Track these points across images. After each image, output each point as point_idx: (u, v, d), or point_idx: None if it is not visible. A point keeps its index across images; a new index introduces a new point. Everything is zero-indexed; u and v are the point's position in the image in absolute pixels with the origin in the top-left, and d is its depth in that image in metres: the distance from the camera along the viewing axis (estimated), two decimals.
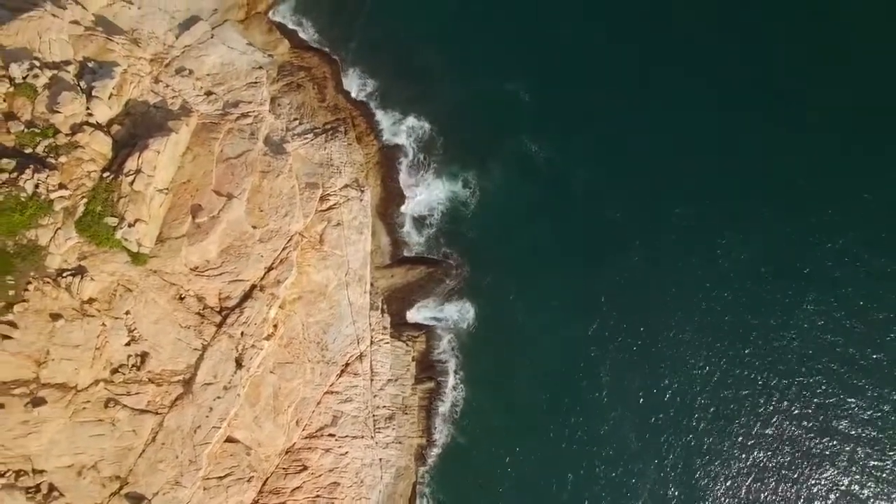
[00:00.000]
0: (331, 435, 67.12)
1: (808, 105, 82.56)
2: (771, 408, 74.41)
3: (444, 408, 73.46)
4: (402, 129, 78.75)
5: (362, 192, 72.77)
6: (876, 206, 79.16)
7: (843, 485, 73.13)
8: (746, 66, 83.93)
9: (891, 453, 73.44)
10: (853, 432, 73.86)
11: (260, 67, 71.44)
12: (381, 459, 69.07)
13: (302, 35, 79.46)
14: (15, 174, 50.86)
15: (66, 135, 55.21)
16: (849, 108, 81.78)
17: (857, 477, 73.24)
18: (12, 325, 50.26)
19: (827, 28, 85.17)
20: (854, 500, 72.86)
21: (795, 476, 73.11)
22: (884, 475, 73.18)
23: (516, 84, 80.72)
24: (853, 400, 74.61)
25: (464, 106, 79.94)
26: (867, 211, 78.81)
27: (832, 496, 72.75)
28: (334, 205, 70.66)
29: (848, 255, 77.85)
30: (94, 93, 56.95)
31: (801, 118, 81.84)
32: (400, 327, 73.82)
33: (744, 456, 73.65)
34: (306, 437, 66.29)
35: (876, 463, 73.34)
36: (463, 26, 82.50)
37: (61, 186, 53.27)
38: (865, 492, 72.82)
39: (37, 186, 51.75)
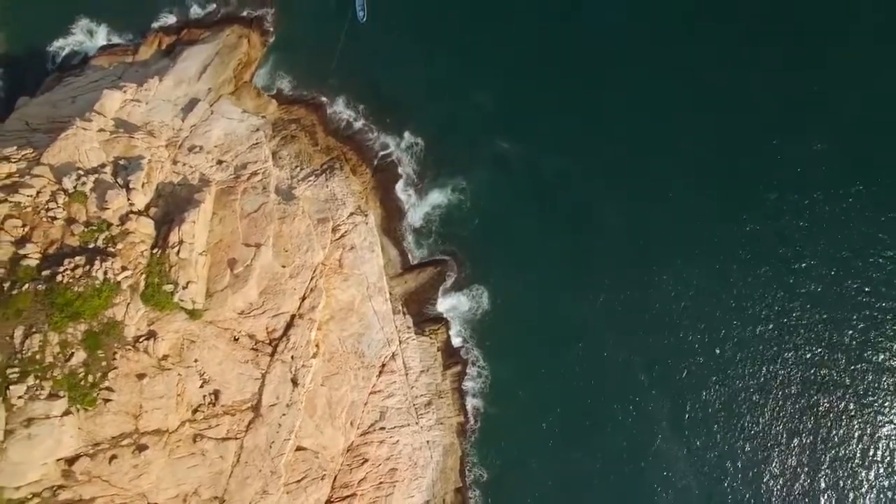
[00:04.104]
0: (382, 428, 74.67)
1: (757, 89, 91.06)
2: (761, 347, 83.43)
3: (473, 386, 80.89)
4: (389, 153, 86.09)
5: (366, 216, 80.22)
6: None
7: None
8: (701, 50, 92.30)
9: None
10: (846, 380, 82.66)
11: (257, 130, 78.08)
12: (428, 441, 76.80)
13: (285, 91, 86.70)
14: (87, 267, 58.54)
15: (118, 225, 62.57)
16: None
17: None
18: (110, 389, 57.79)
19: None
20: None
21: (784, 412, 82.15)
22: None
23: (480, 94, 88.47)
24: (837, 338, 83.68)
25: (438, 122, 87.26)
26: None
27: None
28: (345, 232, 78.01)
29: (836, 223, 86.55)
30: (130, 185, 64.30)
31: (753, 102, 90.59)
32: (421, 324, 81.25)
33: (738, 388, 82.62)
34: (361, 435, 73.80)
35: None
36: (423, 51, 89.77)
37: (123, 269, 60.52)
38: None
39: (105, 273, 59.01)
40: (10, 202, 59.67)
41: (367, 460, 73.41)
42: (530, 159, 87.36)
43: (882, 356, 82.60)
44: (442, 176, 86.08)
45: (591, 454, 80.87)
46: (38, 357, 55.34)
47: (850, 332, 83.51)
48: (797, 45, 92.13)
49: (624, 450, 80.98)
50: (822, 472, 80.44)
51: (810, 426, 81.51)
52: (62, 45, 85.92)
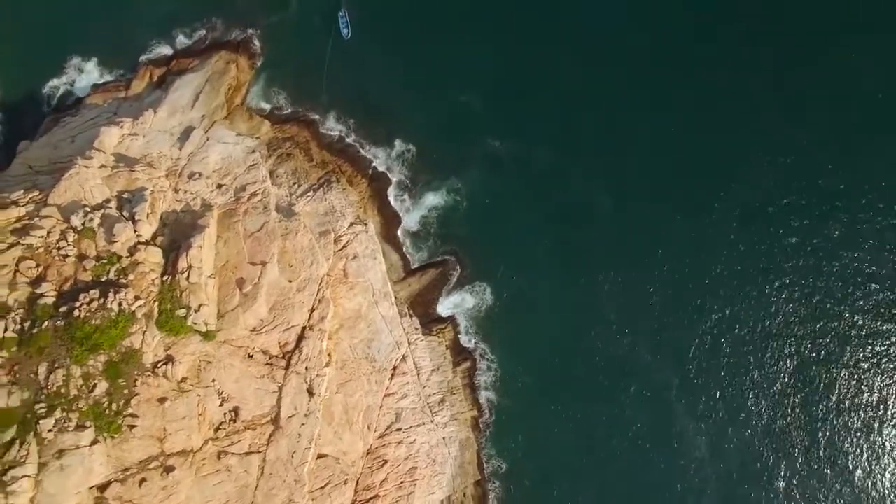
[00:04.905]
0: (398, 429, 76.62)
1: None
2: (763, 322, 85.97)
3: (484, 380, 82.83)
4: (383, 162, 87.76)
5: (366, 224, 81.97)
6: None
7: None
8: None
9: None
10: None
11: (253, 151, 79.60)
12: (444, 438, 78.77)
13: (277, 111, 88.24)
14: (102, 300, 60.39)
15: (127, 257, 64.44)
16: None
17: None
18: (134, 415, 59.64)
19: None
20: None
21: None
22: None
23: (467, 96, 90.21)
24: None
25: (429, 127, 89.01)
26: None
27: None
28: (347, 242, 79.72)
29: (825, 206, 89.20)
30: (135, 217, 66.23)
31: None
32: (429, 324, 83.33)
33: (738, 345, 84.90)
34: (379, 437, 75.85)
35: None
36: (408, 60, 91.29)
37: (136, 298, 62.38)
38: None
39: (120, 304, 60.85)
40: (23, 244, 61.56)
41: (386, 461, 75.28)
42: (522, 155, 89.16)
43: (879, 324, 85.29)
44: (436, 179, 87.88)
45: (606, 436, 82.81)
46: (62, 391, 57.28)
47: (839, 295, 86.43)
48: (790, 46, 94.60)
49: (637, 427, 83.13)
50: (828, 430, 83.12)
51: (810, 394, 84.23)
52: (56, 86, 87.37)
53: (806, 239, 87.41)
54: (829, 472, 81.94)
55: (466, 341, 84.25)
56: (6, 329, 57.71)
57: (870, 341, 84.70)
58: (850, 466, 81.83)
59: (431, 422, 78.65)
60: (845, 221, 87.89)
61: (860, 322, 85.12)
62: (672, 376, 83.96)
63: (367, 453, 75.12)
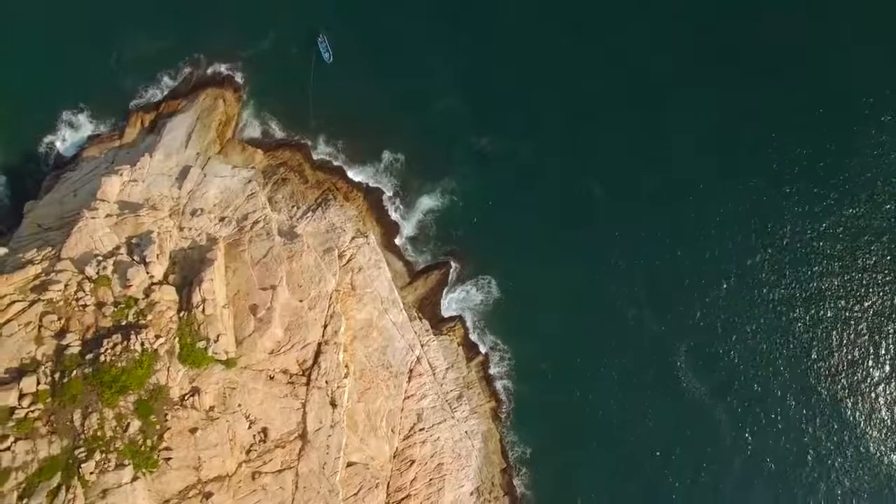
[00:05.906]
0: (421, 429, 79.40)
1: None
2: (761, 291, 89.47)
3: (498, 371, 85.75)
4: (376, 174, 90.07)
5: (366, 236, 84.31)
6: None
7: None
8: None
9: None
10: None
11: (250, 181, 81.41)
12: (466, 432, 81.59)
13: (268, 139, 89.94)
14: (125, 343, 62.58)
15: (143, 299, 66.65)
16: None
17: None
18: (168, 448, 62.14)
19: None
20: None
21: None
22: None
23: (450, 99, 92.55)
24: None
25: (415, 133, 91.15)
26: None
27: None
28: (351, 256, 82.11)
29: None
30: (146, 259, 68.28)
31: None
32: (438, 324, 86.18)
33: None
34: (404, 439, 78.67)
35: None
36: (388, 75, 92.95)
37: (157, 337, 64.61)
38: None
39: (142, 345, 63.02)
40: (43, 300, 63.71)
41: (414, 461, 78.15)
42: (508, 150, 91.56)
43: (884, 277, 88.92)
44: (428, 182, 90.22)
45: (622, 408, 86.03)
46: (99, 434, 59.80)
47: (842, 254, 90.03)
48: (789, 44, 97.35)
49: (650, 396, 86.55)
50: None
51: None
52: (51, 142, 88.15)
53: (805, 204, 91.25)
54: (852, 426, 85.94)
55: (477, 336, 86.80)
56: (39, 382, 59.89)
57: (879, 294, 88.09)
58: (871, 421, 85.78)
59: (452, 417, 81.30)
60: (844, 185, 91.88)
61: (867, 278, 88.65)
62: (682, 347, 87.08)
63: (395, 456, 77.72)
